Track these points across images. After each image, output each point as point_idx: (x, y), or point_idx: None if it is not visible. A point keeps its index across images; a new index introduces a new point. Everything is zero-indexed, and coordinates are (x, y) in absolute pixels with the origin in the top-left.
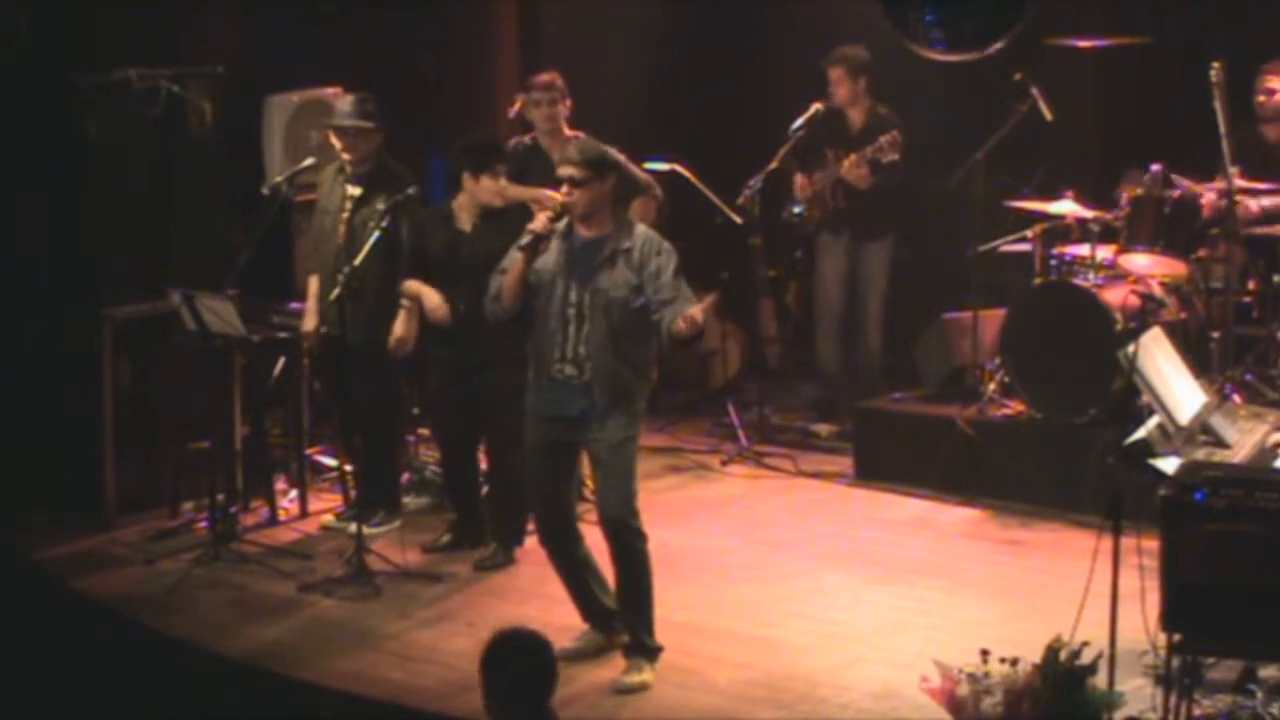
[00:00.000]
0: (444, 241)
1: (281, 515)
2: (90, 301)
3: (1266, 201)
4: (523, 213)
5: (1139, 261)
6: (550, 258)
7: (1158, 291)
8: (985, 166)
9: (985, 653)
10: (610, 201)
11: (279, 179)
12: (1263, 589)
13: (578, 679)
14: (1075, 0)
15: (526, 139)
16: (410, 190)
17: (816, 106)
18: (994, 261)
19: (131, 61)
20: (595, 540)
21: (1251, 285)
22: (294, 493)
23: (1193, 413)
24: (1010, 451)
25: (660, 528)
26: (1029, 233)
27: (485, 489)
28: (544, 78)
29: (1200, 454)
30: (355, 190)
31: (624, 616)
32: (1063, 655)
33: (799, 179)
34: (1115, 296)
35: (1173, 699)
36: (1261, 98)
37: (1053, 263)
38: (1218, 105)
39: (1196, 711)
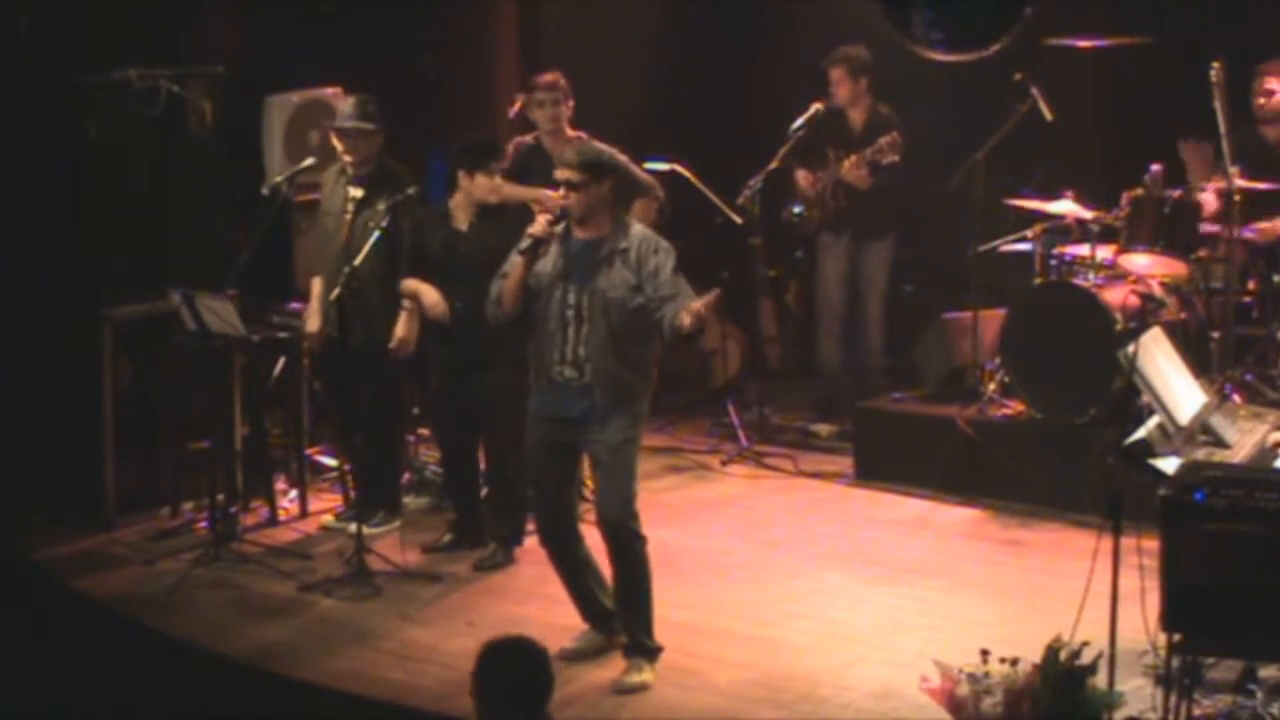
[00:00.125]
0: (441, 241)
1: (281, 515)
2: (90, 301)
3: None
4: (519, 211)
5: (1139, 261)
6: (549, 260)
7: (1158, 291)
8: (985, 166)
9: (985, 653)
10: (608, 203)
11: (279, 179)
12: (1263, 589)
13: (578, 679)
14: (1075, 0)
15: (528, 139)
16: (410, 190)
17: (817, 106)
18: (994, 261)
19: (131, 61)
20: (594, 540)
21: (1251, 285)
22: (294, 493)
23: (1193, 413)
24: (1010, 451)
25: (660, 528)
26: (1029, 233)
27: (485, 489)
28: (547, 78)
29: (1200, 454)
30: (357, 192)
31: (622, 617)
32: (1063, 655)
33: (802, 175)
34: (1115, 296)
35: (1173, 699)
36: (1261, 99)
37: (1053, 263)
38: (1218, 105)
39: (1196, 711)
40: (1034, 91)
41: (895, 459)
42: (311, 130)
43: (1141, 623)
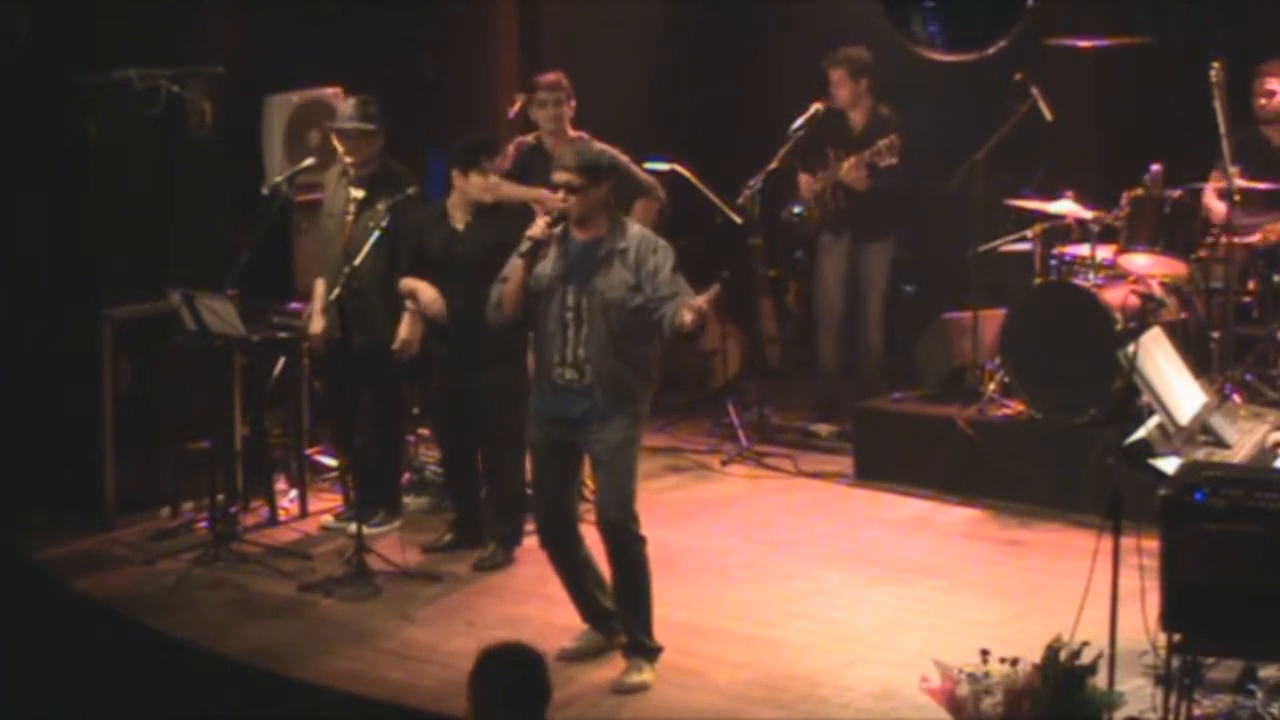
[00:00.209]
0: (438, 240)
1: (281, 515)
2: (90, 301)
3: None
4: (516, 211)
5: (1139, 261)
6: (548, 263)
7: (1158, 291)
8: (985, 166)
9: (985, 653)
10: (606, 205)
11: (279, 179)
12: (1263, 589)
13: (578, 679)
14: (1075, 0)
15: (530, 139)
16: (410, 190)
17: (817, 106)
18: (994, 261)
19: (131, 61)
20: (593, 539)
21: (1251, 285)
22: (294, 493)
23: (1193, 413)
24: (1010, 451)
25: (660, 528)
26: (1029, 233)
27: (485, 489)
28: (550, 78)
29: (1200, 454)
30: (358, 193)
31: (622, 617)
32: (1063, 655)
33: (804, 178)
34: (1115, 296)
35: (1173, 699)
36: (1262, 100)
37: (1053, 263)
38: (1218, 105)
39: (1196, 711)
40: (1034, 91)
41: (895, 459)
42: (311, 130)
43: (1141, 623)
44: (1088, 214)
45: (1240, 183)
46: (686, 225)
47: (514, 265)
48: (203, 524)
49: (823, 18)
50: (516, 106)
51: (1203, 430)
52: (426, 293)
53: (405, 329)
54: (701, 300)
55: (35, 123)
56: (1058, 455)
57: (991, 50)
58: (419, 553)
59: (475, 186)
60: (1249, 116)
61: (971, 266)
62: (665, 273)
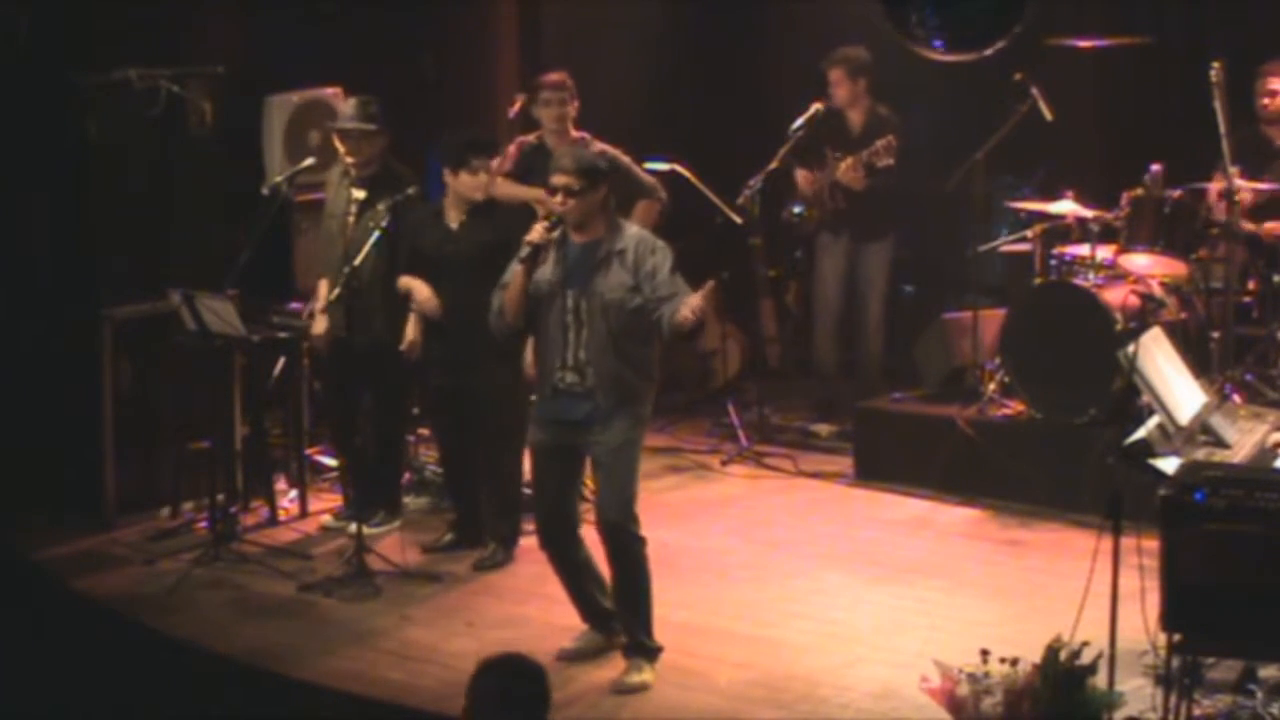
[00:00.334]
0: (432, 239)
1: (281, 515)
2: (90, 301)
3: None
4: (509, 209)
5: (1139, 261)
6: (547, 267)
7: (1158, 291)
8: (985, 166)
9: (985, 653)
10: (605, 207)
11: (279, 179)
12: (1263, 589)
13: (578, 679)
14: (1075, 0)
15: (532, 138)
16: (410, 190)
17: (816, 106)
18: (994, 261)
19: (131, 61)
20: (593, 539)
21: (1251, 285)
22: (294, 493)
23: (1193, 413)
24: (1010, 451)
25: (660, 528)
26: (1029, 233)
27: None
28: (554, 77)
29: (1200, 454)
30: (360, 193)
31: (622, 618)
32: (1063, 655)
33: (801, 175)
34: (1115, 296)
35: (1173, 699)
36: (1265, 100)
37: (1053, 263)
38: (1218, 105)
39: (1196, 711)
40: (1034, 91)
41: (895, 459)
42: (311, 130)
43: (1141, 623)
44: (1088, 214)
45: (1240, 183)
46: (686, 225)
47: (514, 271)
48: (203, 524)
49: (823, 18)
50: (516, 106)
51: (1203, 430)
52: (420, 291)
53: (412, 329)
54: (697, 298)
55: (35, 123)
56: (1058, 455)
57: (991, 50)
58: (419, 553)
59: (466, 185)
60: (1250, 116)
61: (971, 266)
62: (664, 273)
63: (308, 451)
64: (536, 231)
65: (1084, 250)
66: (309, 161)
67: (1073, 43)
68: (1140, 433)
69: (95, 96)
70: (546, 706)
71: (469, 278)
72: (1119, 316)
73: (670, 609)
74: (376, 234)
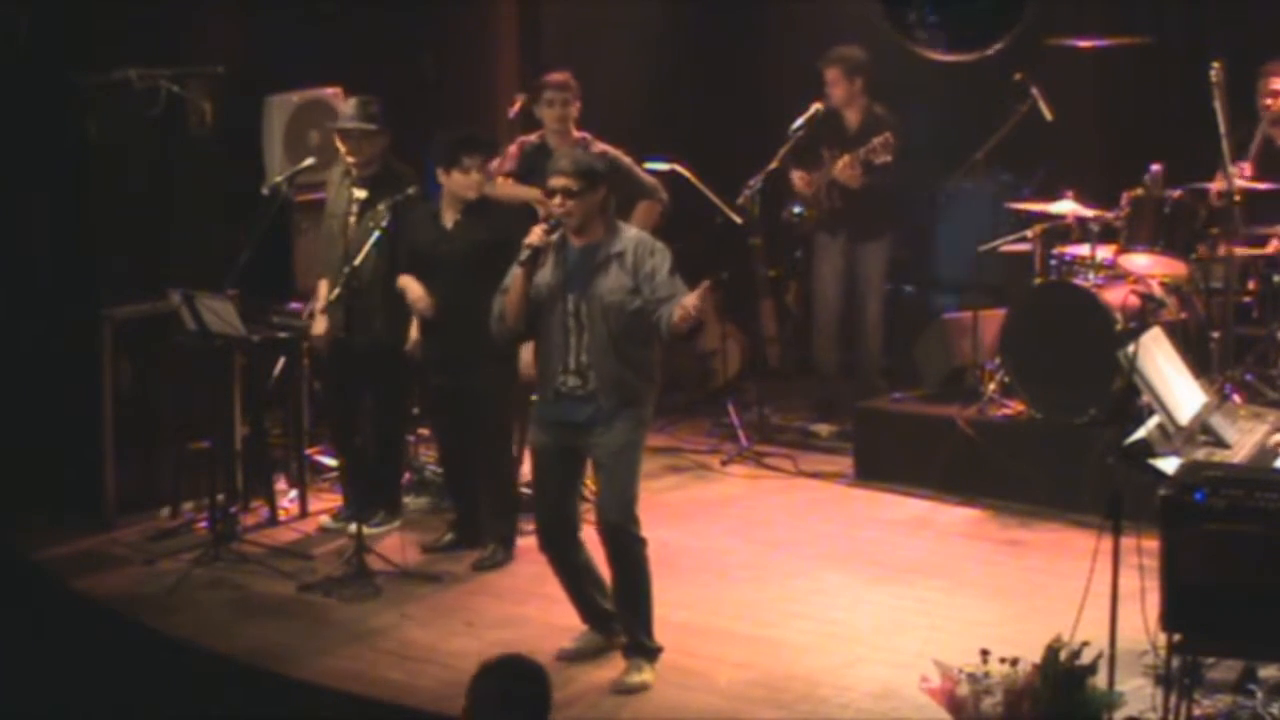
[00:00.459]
0: (427, 238)
1: (281, 515)
2: (90, 301)
3: None
4: (504, 209)
5: (1139, 261)
6: (547, 271)
7: (1158, 291)
8: (985, 166)
9: (985, 653)
10: (603, 209)
11: (279, 179)
12: (1263, 589)
13: (578, 679)
14: (1075, 0)
15: (533, 138)
16: (410, 190)
17: (816, 106)
18: (994, 261)
19: (131, 61)
20: (592, 538)
21: (1251, 285)
22: (294, 493)
23: (1193, 413)
24: (1010, 451)
25: (660, 528)
26: (1029, 233)
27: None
28: (558, 77)
29: (1200, 454)
30: (361, 193)
31: (622, 618)
32: (1063, 655)
33: (798, 175)
34: (1115, 296)
35: (1173, 699)
36: (1268, 100)
37: (1053, 263)
38: (1218, 105)
39: (1196, 711)
40: (1034, 91)
41: (895, 459)
42: (311, 130)
43: (1141, 623)
44: (1088, 214)
45: (1240, 183)
46: (686, 225)
47: (514, 275)
48: (203, 524)
49: (823, 18)
50: (517, 106)
51: (1203, 430)
52: (413, 291)
53: (415, 328)
54: (691, 298)
55: (35, 123)
56: (1058, 455)
57: (991, 50)
58: (419, 553)
59: (458, 184)
60: (1251, 116)
61: (971, 266)
62: (662, 274)
63: (308, 451)
64: (535, 234)
65: (1084, 250)
66: (309, 161)
67: (1073, 43)
68: (1140, 433)
69: (95, 96)
70: (547, 708)
71: (463, 277)
72: (1119, 316)
73: (670, 609)
74: (376, 234)
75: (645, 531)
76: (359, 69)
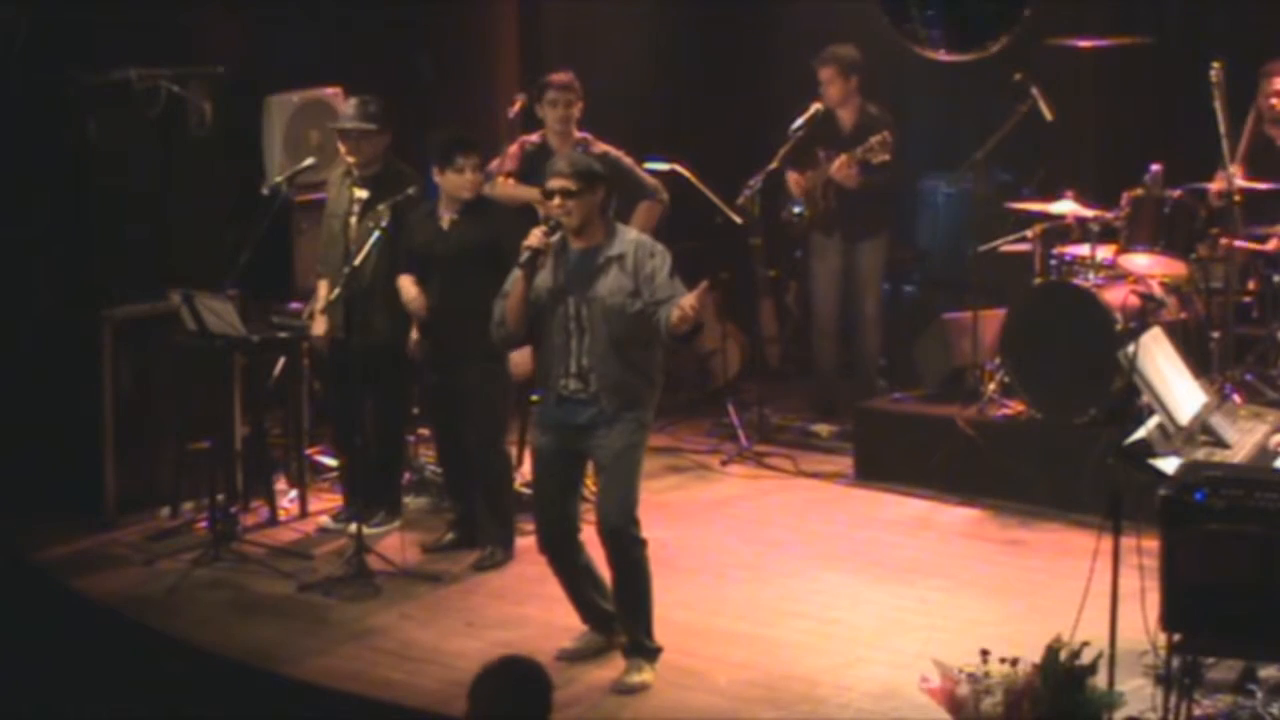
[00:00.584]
0: (425, 238)
1: (281, 515)
2: (90, 301)
3: None
4: (501, 209)
5: (1139, 261)
6: (547, 274)
7: (1158, 291)
8: (985, 166)
9: (985, 653)
10: (603, 211)
11: (279, 179)
12: (1263, 589)
13: (578, 679)
14: (1075, 0)
15: (534, 138)
16: (410, 190)
17: (816, 106)
18: (994, 261)
19: (131, 61)
20: (590, 538)
21: (1251, 285)
22: (294, 493)
23: (1193, 413)
24: (1010, 451)
25: (660, 528)
26: (1029, 233)
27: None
28: (562, 77)
29: (1200, 454)
30: (362, 193)
31: (622, 619)
32: (1063, 655)
33: (792, 176)
34: (1115, 296)
35: (1173, 699)
36: (1274, 100)
37: (1053, 263)
38: (1218, 105)
39: (1196, 711)
40: (1034, 91)
41: (895, 459)
42: (311, 130)
43: (1141, 623)
44: (1088, 214)
45: (1241, 182)
46: (687, 226)
47: (514, 278)
48: (203, 524)
49: (823, 18)
50: (517, 106)
51: (1203, 430)
52: (408, 290)
53: (416, 329)
54: (688, 299)
55: (35, 123)
56: (1058, 455)
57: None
58: (419, 553)
59: (452, 184)
60: (1243, 118)
61: (971, 266)
62: (662, 276)
63: (308, 451)
64: (535, 236)
65: (1084, 250)
66: (309, 161)
67: (1073, 43)
68: (1140, 433)
69: (95, 96)
70: (548, 710)
71: (457, 276)
72: (1119, 316)
73: (670, 609)
74: (376, 234)
75: (645, 532)
76: (359, 69)
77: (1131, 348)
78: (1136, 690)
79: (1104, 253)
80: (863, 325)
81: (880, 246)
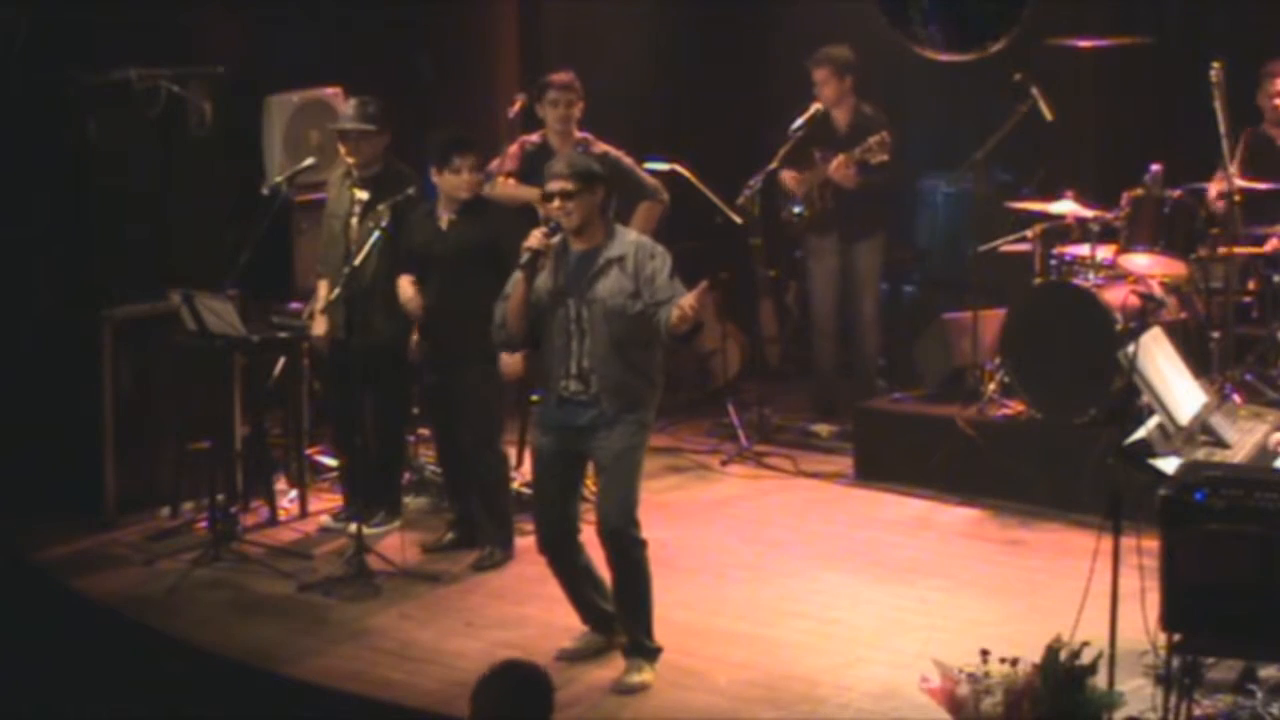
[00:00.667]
0: (423, 238)
1: (281, 515)
2: (90, 301)
3: None
4: (499, 210)
5: (1139, 261)
6: (548, 276)
7: (1158, 291)
8: (985, 166)
9: (985, 653)
10: (602, 211)
11: (279, 179)
12: (1263, 589)
13: (578, 679)
14: (1075, 0)
15: (535, 138)
16: (409, 190)
17: (816, 106)
18: (994, 261)
19: (131, 61)
20: (590, 538)
21: (1251, 285)
22: (294, 493)
23: (1193, 413)
24: (1010, 451)
25: (660, 528)
26: (1029, 233)
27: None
28: (562, 77)
29: (1200, 454)
30: (362, 194)
31: (622, 619)
32: (1063, 655)
33: (789, 176)
34: (1115, 296)
35: (1173, 699)
36: (1277, 100)
37: (1053, 263)
38: (1218, 105)
39: (1196, 711)
40: (1034, 91)
41: (895, 459)
42: (311, 130)
43: (1141, 623)
44: (1088, 214)
45: (1241, 182)
46: (687, 226)
47: (514, 280)
48: (203, 524)
49: (822, 18)
50: (517, 106)
51: (1203, 430)
52: (405, 291)
53: (417, 329)
54: (688, 299)
55: (35, 123)
56: (1058, 455)
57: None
58: (419, 553)
59: (449, 184)
60: (1252, 116)
61: (971, 266)
62: (662, 278)
63: (308, 451)
64: (535, 237)
65: (1084, 250)
66: (309, 161)
67: (1073, 43)
68: (1140, 433)
69: (95, 96)
70: (549, 713)
71: (455, 276)
72: (1119, 316)
73: (670, 609)
74: (376, 234)
75: (645, 532)
76: (359, 69)
77: (1131, 348)
78: (1136, 690)
79: (1104, 253)
80: (861, 325)
81: (877, 247)
